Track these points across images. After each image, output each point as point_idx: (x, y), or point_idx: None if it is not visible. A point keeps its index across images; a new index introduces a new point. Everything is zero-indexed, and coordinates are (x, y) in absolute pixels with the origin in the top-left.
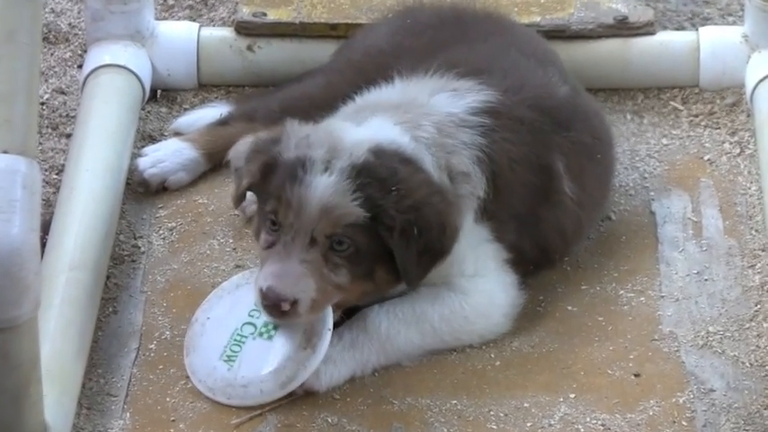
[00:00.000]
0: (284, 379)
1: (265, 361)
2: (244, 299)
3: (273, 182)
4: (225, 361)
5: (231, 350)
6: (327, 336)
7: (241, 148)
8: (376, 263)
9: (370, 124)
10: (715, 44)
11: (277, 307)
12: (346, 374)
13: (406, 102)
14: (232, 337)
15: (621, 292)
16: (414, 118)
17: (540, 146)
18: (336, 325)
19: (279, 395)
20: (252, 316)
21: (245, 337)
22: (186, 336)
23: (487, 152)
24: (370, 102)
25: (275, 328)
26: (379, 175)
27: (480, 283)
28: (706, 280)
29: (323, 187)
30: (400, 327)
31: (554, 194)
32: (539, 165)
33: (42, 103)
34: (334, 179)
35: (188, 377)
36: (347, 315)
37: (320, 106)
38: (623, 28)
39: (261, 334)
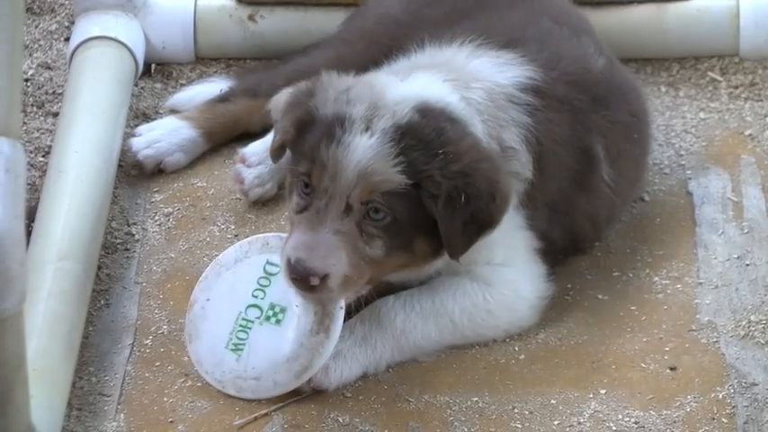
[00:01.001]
0: (299, 368)
1: (276, 349)
2: (245, 276)
3: (308, 140)
4: (232, 350)
5: (238, 337)
6: (341, 315)
7: (281, 99)
8: (415, 233)
9: (416, 79)
10: (756, 9)
11: (305, 281)
12: (358, 372)
13: (445, 62)
14: (237, 322)
15: (656, 278)
16: (462, 77)
17: (580, 127)
18: (349, 314)
19: (294, 386)
20: (256, 297)
21: (251, 321)
22: (186, 319)
23: (534, 133)
24: (404, 67)
25: (282, 310)
26: (425, 137)
27: (506, 274)
28: (747, 265)
29: (362, 149)
30: (417, 320)
31: (591, 181)
32: (579, 148)
33: (26, 80)
34: (375, 141)
35: (187, 375)
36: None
37: None
38: None
39: (268, 318)
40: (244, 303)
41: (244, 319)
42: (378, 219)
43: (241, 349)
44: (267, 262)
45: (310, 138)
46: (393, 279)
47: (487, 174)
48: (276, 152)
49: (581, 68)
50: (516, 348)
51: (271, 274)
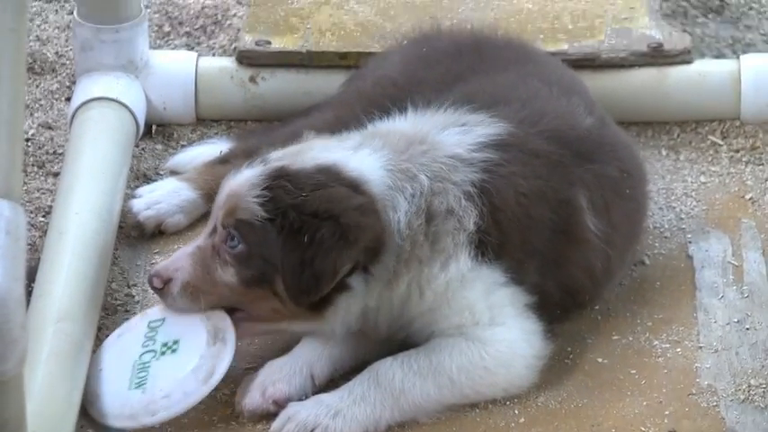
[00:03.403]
0: (204, 374)
1: (179, 368)
2: (130, 339)
3: None
4: (136, 388)
5: (138, 377)
6: (231, 327)
7: None
8: (277, 276)
9: (359, 155)
10: (758, 73)
11: (151, 283)
12: None
13: (413, 137)
14: (134, 367)
15: (656, 342)
16: (410, 168)
17: (558, 179)
18: (345, 378)
19: (203, 393)
20: (146, 346)
21: (148, 362)
22: (83, 392)
23: (483, 186)
24: (380, 130)
25: (176, 341)
26: (299, 183)
27: (499, 332)
28: (747, 329)
29: (240, 178)
30: (416, 379)
31: (576, 231)
32: (556, 199)
33: (27, 140)
34: (253, 173)
35: None
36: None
37: None
38: (658, 56)
39: (163, 353)
40: (137, 354)
41: (140, 363)
42: (233, 246)
43: (144, 383)
44: (149, 321)
45: None
46: (298, 330)
47: (343, 228)
48: None
49: (564, 125)
50: (516, 411)
51: (155, 327)
